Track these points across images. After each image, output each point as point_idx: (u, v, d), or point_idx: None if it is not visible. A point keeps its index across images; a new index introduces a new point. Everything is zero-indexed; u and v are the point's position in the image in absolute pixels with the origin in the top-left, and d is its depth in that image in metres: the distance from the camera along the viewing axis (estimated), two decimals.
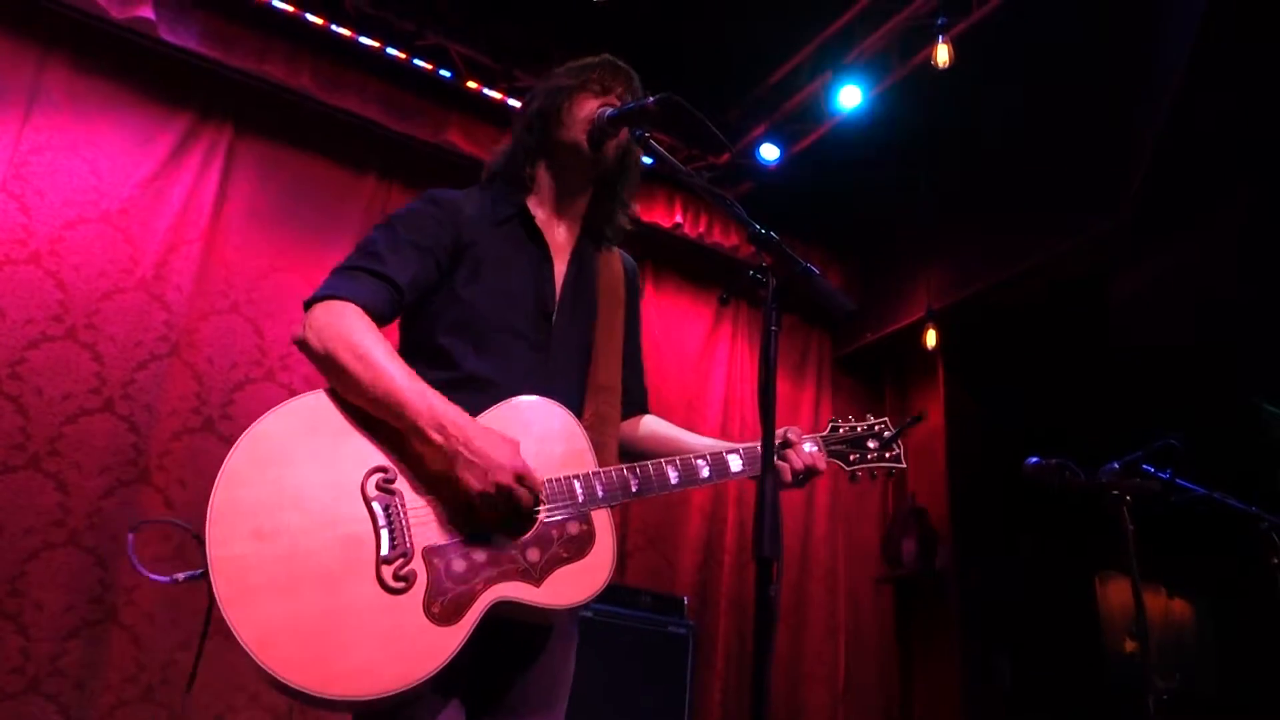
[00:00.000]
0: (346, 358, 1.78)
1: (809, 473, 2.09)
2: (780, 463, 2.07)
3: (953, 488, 6.52)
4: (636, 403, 2.30)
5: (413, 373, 1.81)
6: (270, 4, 5.09)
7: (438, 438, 1.74)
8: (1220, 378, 6.92)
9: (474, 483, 1.72)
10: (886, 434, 2.23)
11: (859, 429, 2.23)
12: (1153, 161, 5.22)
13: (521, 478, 1.76)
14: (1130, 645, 7.66)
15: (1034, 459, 3.28)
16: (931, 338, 6.27)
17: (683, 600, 5.03)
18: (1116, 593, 7.75)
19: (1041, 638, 6.83)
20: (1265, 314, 6.16)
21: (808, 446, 2.12)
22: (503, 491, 1.73)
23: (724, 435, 6.33)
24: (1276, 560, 3.05)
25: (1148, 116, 5.21)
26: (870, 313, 7.00)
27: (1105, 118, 5.58)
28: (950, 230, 6.55)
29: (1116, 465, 3.14)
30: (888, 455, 2.23)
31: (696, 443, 2.22)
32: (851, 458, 2.21)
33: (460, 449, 1.73)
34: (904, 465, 2.24)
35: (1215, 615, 8.48)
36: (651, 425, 2.32)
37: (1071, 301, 6.36)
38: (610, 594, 4.73)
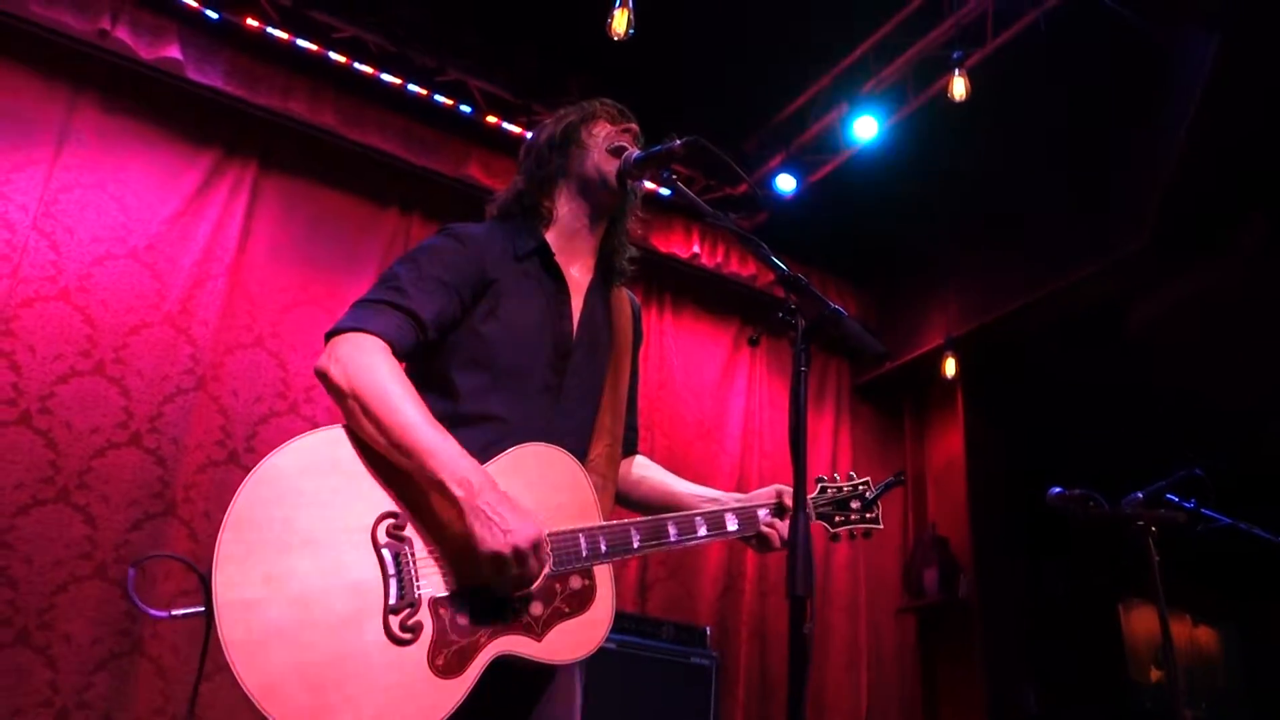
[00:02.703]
0: (372, 400, 1.74)
1: None
2: (768, 530, 2.09)
3: (974, 516, 6.49)
4: (629, 443, 2.28)
5: (438, 425, 1.77)
6: (294, 43, 5.19)
7: (459, 492, 1.70)
8: (1241, 403, 6.89)
9: (490, 542, 1.68)
10: (869, 495, 2.25)
11: (844, 489, 2.25)
12: (1170, 188, 5.24)
13: (538, 547, 1.73)
14: (1156, 674, 7.58)
15: (1057, 489, 3.27)
16: (951, 367, 6.26)
17: (705, 630, 5.02)
18: (1140, 620, 7.68)
19: (1066, 667, 6.77)
20: None
21: None
22: (518, 556, 1.70)
23: (744, 464, 6.35)
24: None
25: (1165, 144, 5.23)
26: (889, 340, 7.01)
27: (1122, 145, 5.60)
28: (967, 258, 6.57)
29: (1140, 495, 3.13)
30: (868, 516, 2.24)
31: (684, 490, 2.24)
32: (837, 519, 2.23)
33: (481, 506, 1.70)
34: (881, 526, 2.25)
35: (1243, 644, 8.39)
36: (642, 469, 2.32)
37: (1089, 328, 6.36)
38: (633, 625, 4.73)
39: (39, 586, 4.24)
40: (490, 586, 1.73)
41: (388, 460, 1.76)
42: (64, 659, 4.20)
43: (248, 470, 1.67)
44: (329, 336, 1.85)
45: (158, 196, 5.01)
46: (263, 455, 1.71)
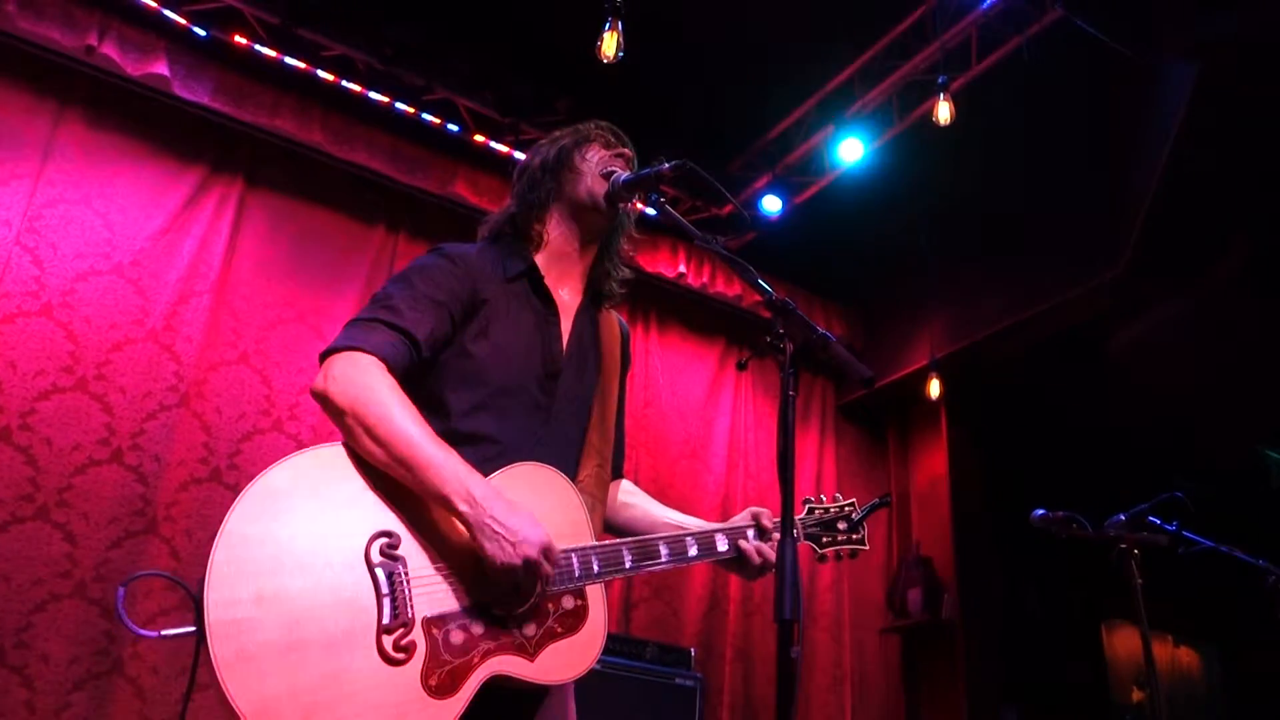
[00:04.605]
0: (372, 417, 1.74)
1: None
2: (746, 547, 2.09)
3: (958, 537, 6.51)
4: (615, 466, 2.29)
5: (440, 440, 1.77)
6: (282, 60, 5.19)
7: (464, 508, 1.71)
8: (1222, 425, 6.95)
9: (499, 555, 1.70)
10: (855, 515, 2.27)
11: (831, 510, 2.28)
12: (1151, 212, 5.30)
13: (547, 552, 1.74)
14: (1138, 694, 7.60)
15: (1041, 511, 3.30)
16: (935, 388, 6.30)
17: (690, 651, 5.00)
18: (1123, 641, 7.71)
19: (1048, 687, 6.79)
20: (1263, 361, 6.21)
21: None
22: (529, 566, 1.72)
23: (729, 484, 6.35)
24: None
25: (1146, 168, 5.29)
26: (873, 361, 7.03)
27: (1103, 170, 5.67)
28: (951, 280, 6.61)
29: (1123, 517, 3.17)
30: (854, 537, 2.27)
31: (669, 518, 2.25)
32: (824, 540, 2.25)
33: (487, 521, 1.71)
34: (866, 547, 2.28)
35: (1224, 664, 8.43)
36: (628, 495, 2.33)
37: (1072, 350, 6.41)
38: (617, 645, 4.71)
39: (17, 605, 4.19)
40: (500, 598, 1.74)
41: (385, 478, 1.76)
42: (41, 678, 4.15)
43: (230, 488, 1.67)
44: (324, 356, 1.85)
45: (143, 212, 4.99)
46: (246, 473, 1.70)
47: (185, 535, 4.63)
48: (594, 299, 2.23)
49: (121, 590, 1.78)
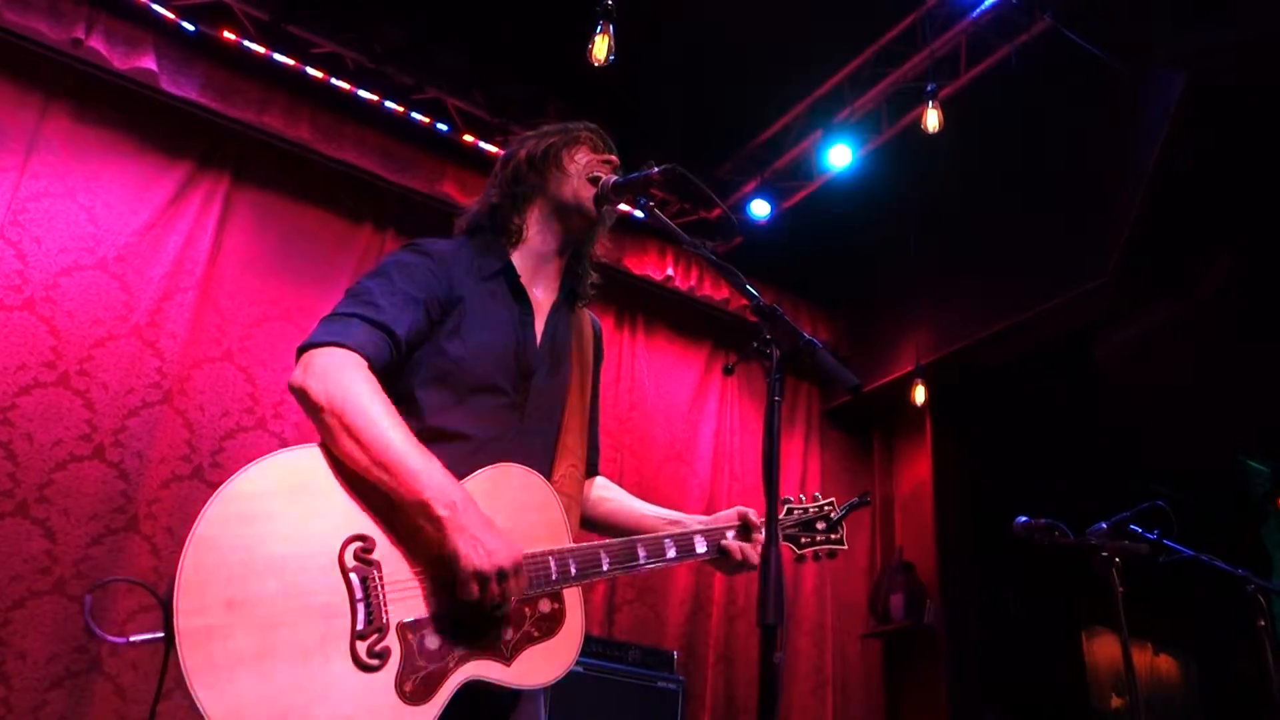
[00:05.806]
0: (352, 417, 1.70)
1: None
2: (729, 545, 2.11)
3: (941, 542, 6.53)
4: (591, 464, 2.28)
5: (420, 444, 1.75)
6: (271, 57, 5.17)
7: (444, 513, 1.68)
8: (1207, 434, 7.00)
9: (473, 559, 1.67)
10: (834, 515, 2.28)
11: (810, 510, 2.28)
12: (1138, 220, 5.34)
13: (518, 569, 1.72)
14: (1117, 701, 7.64)
15: (1024, 518, 3.31)
16: (920, 394, 6.31)
17: (673, 654, 5.00)
18: (1103, 648, 7.75)
19: (1029, 693, 6.81)
20: (1248, 370, 6.25)
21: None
22: (500, 574, 1.69)
23: (714, 488, 6.35)
24: (1263, 623, 3.07)
25: (1133, 177, 5.33)
26: (859, 366, 7.05)
27: (1091, 179, 5.70)
28: (938, 286, 6.63)
29: (1105, 525, 3.18)
30: (833, 536, 2.27)
31: (646, 511, 2.25)
32: (803, 540, 2.25)
33: (465, 525, 1.69)
34: (845, 547, 2.28)
35: (1202, 672, 8.48)
36: (604, 490, 2.32)
37: (1057, 358, 6.44)
38: (599, 648, 4.71)
39: None
40: (465, 607, 1.70)
41: (361, 480, 1.72)
42: (18, 676, 4.11)
43: (212, 486, 1.64)
44: (301, 350, 1.82)
45: (129, 207, 4.95)
46: (228, 471, 1.67)
47: (166, 533, 4.60)
48: (567, 297, 2.22)
49: (89, 598, 1.74)
